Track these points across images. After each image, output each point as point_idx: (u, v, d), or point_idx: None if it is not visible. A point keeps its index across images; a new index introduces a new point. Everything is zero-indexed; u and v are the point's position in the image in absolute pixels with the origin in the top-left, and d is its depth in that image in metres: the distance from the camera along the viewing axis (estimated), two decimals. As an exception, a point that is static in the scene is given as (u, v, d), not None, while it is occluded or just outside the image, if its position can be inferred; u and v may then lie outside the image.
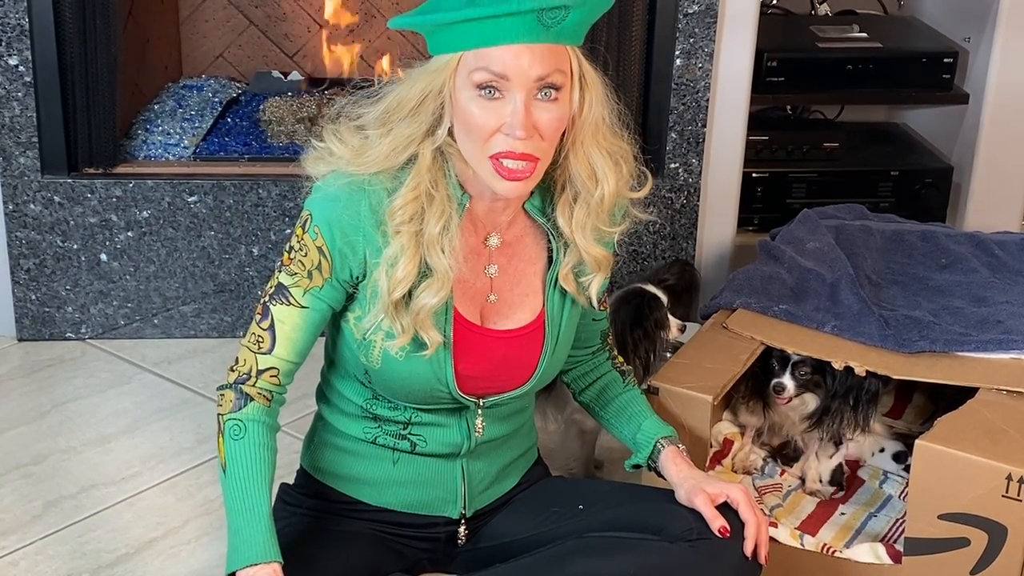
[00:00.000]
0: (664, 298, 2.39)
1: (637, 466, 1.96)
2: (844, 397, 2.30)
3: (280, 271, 1.76)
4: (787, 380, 2.32)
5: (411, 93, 1.69)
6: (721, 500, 1.82)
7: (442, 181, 1.72)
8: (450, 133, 1.71)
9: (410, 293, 1.72)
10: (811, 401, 2.35)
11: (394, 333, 1.74)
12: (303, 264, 1.74)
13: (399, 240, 1.70)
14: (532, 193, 1.81)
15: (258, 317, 1.77)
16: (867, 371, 2.26)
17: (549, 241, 1.84)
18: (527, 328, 1.83)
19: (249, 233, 2.99)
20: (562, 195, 1.79)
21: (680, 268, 2.52)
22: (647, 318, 2.34)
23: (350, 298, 1.78)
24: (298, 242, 1.74)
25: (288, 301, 1.75)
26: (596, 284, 1.85)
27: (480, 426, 1.85)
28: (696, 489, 1.83)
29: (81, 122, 2.90)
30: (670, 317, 2.38)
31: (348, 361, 1.83)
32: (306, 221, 1.74)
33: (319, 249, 1.73)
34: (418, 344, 1.75)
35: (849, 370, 2.28)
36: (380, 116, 1.72)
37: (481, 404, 1.84)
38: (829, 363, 2.29)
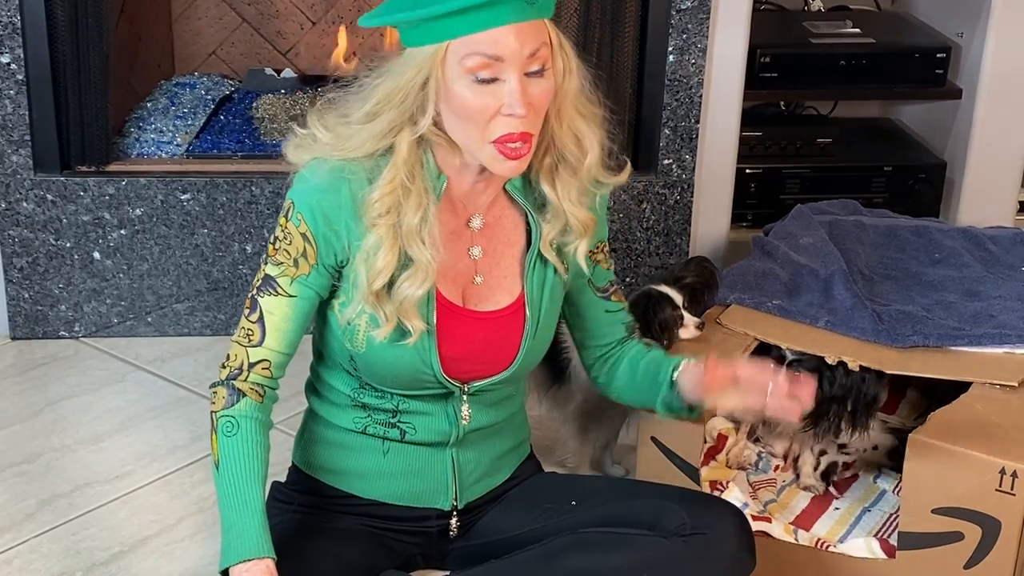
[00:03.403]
0: (678, 297, 2.36)
1: (671, 410, 1.92)
2: (842, 400, 2.29)
3: (266, 263, 1.77)
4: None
5: (395, 86, 1.69)
6: (725, 369, 1.81)
7: (419, 172, 1.73)
8: (434, 123, 1.71)
9: (392, 280, 1.73)
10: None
11: (378, 320, 1.74)
12: (288, 253, 1.75)
13: (377, 232, 1.72)
14: None
15: (247, 311, 1.77)
16: (862, 368, 2.26)
17: (527, 222, 1.84)
18: (507, 310, 1.84)
19: (242, 231, 2.99)
20: (543, 162, 1.80)
21: (697, 265, 2.49)
22: (652, 321, 2.33)
23: (336, 286, 1.78)
24: (282, 231, 1.75)
25: (276, 291, 1.76)
26: (582, 250, 1.85)
27: (466, 413, 1.85)
28: (696, 372, 1.84)
29: (74, 120, 2.90)
30: (686, 315, 2.35)
31: (334, 350, 1.83)
32: (288, 210, 1.75)
33: (303, 235, 1.74)
34: (401, 332, 1.75)
35: (847, 372, 2.27)
36: (363, 107, 1.72)
37: (466, 389, 1.84)
38: (828, 366, 2.29)
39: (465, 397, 1.85)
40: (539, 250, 1.84)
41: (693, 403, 1.89)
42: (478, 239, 1.82)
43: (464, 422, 1.86)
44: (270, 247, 1.77)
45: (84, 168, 2.95)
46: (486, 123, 1.67)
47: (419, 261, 1.72)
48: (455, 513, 1.91)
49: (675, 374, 1.90)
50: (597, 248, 1.92)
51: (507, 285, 1.84)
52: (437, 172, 1.75)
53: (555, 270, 1.86)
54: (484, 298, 1.83)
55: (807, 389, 1.77)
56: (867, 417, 2.33)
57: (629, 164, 1.88)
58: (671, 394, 1.91)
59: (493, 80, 1.66)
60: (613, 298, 1.98)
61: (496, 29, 1.63)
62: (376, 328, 1.75)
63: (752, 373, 1.80)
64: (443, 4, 1.62)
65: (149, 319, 3.03)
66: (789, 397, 1.77)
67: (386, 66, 1.71)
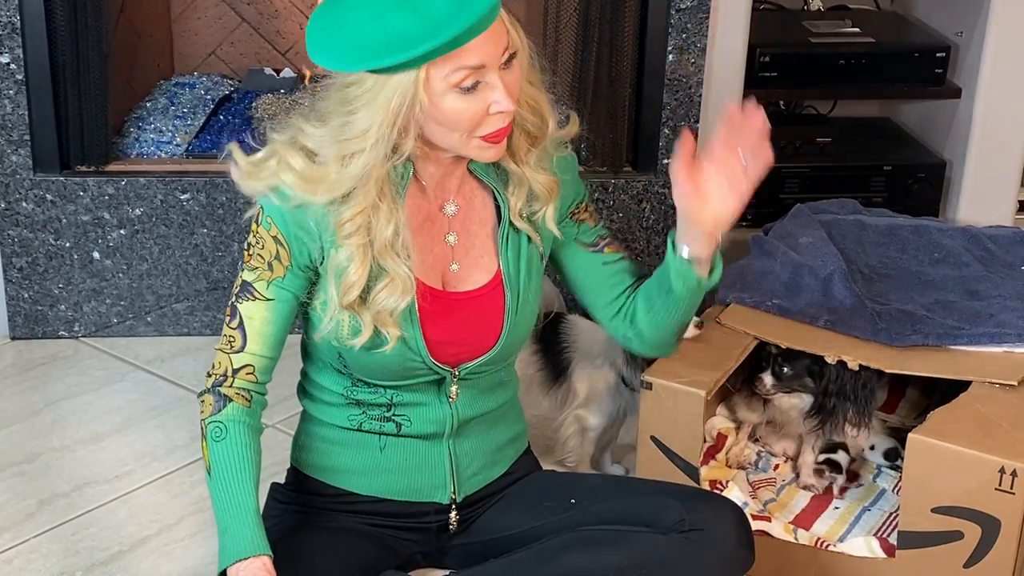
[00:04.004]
0: None
1: (684, 279, 1.83)
2: (839, 395, 2.29)
3: (243, 269, 1.78)
4: (766, 375, 2.32)
5: (371, 123, 1.66)
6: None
7: (387, 186, 1.72)
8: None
9: (368, 290, 1.74)
10: (808, 400, 2.35)
11: (359, 328, 1.75)
12: (262, 257, 1.75)
13: (346, 250, 1.72)
14: None
15: (227, 318, 1.79)
16: (861, 366, 2.27)
17: (496, 200, 1.85)
18: (485, 288, 1.84)
19: (242, 231, 2.98)
20: None
21: None
22: None
23: (314, 285, 1.79)
24: (254, 237, 1.76)
25: (253, 296, 1.76)
26: (550, 215, 1.85)
27: (456, 394, 1.85)
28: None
29: (73, 120, 2.90)
30: None
31: (322, 350, 1.84)
32: (259, 214, 1.76)
33: (275, 238, 1.74)
34: (378, 339, 1.76)
35: (843, 367, 2.28)
36: (337, 149, 1.69)
37: (457, 373, 1.84)
38: (821, 364, 2.29)
39: (456, 382, 1.85)
40: (510, 222, 1.84)
41: (694, 250, 1.81)
42: (453, 224, 1.83)
43: (457, 406, 1.86)
44: (245, 254, 1.78)
45: (83, 168, 2.95)
46: (476, 125, 1.69)
47: (396, 274, 1.73)
48: (454, 507, 1.92)
49: (674, 248, 1.82)
50: (578, 208, 1.92)
51: (484, 264, 1.85)
52: (404, 160, 1.75)
53: (529, 240, 1.86)
54: (462, 279, 1.84)
55: (756, 114, 1.71)
56: (868, 413, 2.33)
57: (574, 116, 1.88)
58: (674, 259, 1.83)
59: (479, 87, 1.67)
60: (607, 250, 1.96)
61: (474, 40, 1.63)
62: (355, 337, 1.75)
63: (719, 154, 1.73)
64: (426, 43, 1.60)
65: (149, 319, 3.03)
66: (757, 142, 1.72)
67: (355, 94, 1.67)
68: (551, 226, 1.86)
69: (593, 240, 1.95)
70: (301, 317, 1.84)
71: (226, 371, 1.78)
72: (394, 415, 1.86)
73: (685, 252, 1.83)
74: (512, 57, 1.69)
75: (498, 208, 1.85)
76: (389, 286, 1.73)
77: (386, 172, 1.72)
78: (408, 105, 1.65)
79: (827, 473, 2.44)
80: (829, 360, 2.28)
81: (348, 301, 1.73)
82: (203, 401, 1.78)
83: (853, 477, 2.48)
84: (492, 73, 1.67)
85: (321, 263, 1.76)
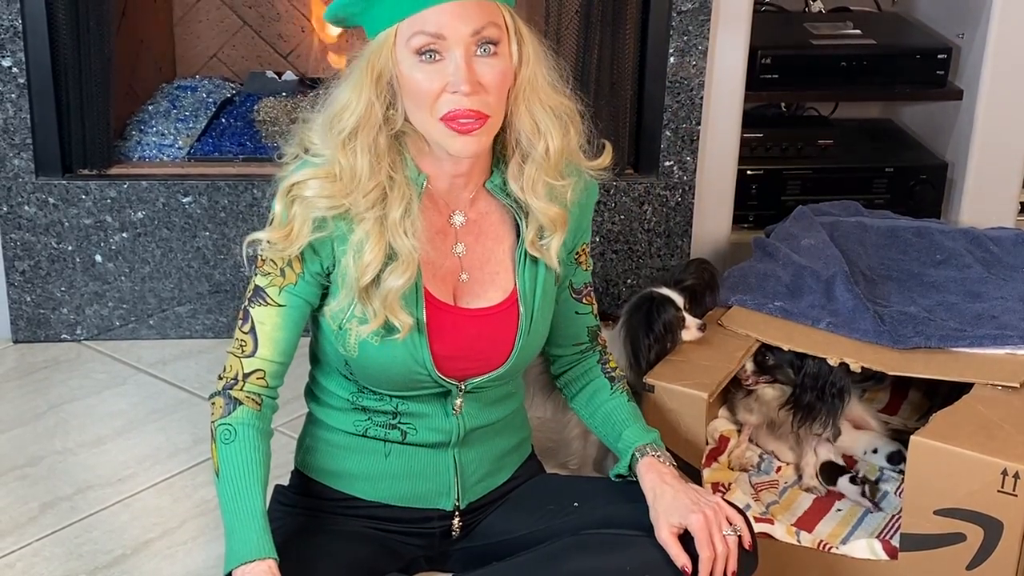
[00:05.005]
0: (679, 299, 2.37)
1: (621, 476, 1.92)
2: (812, 390, 2.30)
3: (255, 274, 1.79)
4: (747, 362, 2.34)
5: (352, 80, 1.71)
6: (682, 531, 1.77)
7: (400, 164, 1.75)
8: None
9: (379, 277, 1.74)
10: (788, 392, 2.36)
11: (367, 318, 1.75)
12: (275, 263, 1.77)
13: (364, 226, 1.73)
14: (492, 172, 1.83)
15: (239, 322, 1.79)
16: (842, 364, 2.28)
17: (516, 220, 1.85)
18: (500, 306, 1.84)
19: (244, 233, 2.96)
20: (513, 158, 1.80)
21: (696, 267, 2.49)
22: (656, 321, 2.34)
23: (325, 291, 1.79)
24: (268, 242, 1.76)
25: (265, 301, 1.77)
26: (555, 244, 1.85)
27: (461, 408, 1.85)
28: (660, 523, 1.78)
29: (75, 123, 2.90)
30: (688, 317, 2.36)
31: (329, 355, 1.84)
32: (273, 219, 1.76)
33: None
34: (389, 328, 1.76)
35: (819, 362, 2.28)
36: (332, 131, 1.72)
37: (463, 387, 1.84)
38: (799, 356, 2.30)
39: (462, 395, 1.85)
40: (525, 244, 1.84)
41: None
42: (462, 236, 1.83)
43: (462, 419, 1.86)
44: (259, 258, 1.79)
45: (86, 171, 2.95)
46: (433, 102, 1.69)
47: (401, 252, 1.73)
48: (457, 513, 1.92)
49: (635, 467, 1.88)
50: (581, 250, 1.94)
51: (500, 281, 1.85)
52: (417, 171, 1.77)
53: (547, 265, 1.86)
54: (477, 295, 1.84)
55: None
56: (835, 413, 2.32)
57: (609, 146, 1.88)
58: (624, 472, 1.91)
59: (438, 59, 1.67)
60: (585, 300, 1.98)
61: (438, 7, 1.65)
62: (365, 325, 1.75)
63: (698, 544, 1.75)
64: None
65: (151, 322, 3.03)
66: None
67: (349, 62, 1.74)
68: (552, 255, 1.85)
69: (580, 287, 1.96)
70: (311, 321, 1.84)
71: (237, 375, 1.78)
72: (399, 423, 1.86)
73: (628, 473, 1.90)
74: (494, 50, 1.68)
75: (518, 229, 1.85)
76: (395, 267, 1.74)
77: (396, 149, 1.74)
78: (382, 66, 1.69)
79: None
80: (831, 362, 2.28)
81: (365, 282, 1.73)
82: (213, 404, 1.79)
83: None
84: (456, 49, 1.67)
85: (333, 270, 1.76)
